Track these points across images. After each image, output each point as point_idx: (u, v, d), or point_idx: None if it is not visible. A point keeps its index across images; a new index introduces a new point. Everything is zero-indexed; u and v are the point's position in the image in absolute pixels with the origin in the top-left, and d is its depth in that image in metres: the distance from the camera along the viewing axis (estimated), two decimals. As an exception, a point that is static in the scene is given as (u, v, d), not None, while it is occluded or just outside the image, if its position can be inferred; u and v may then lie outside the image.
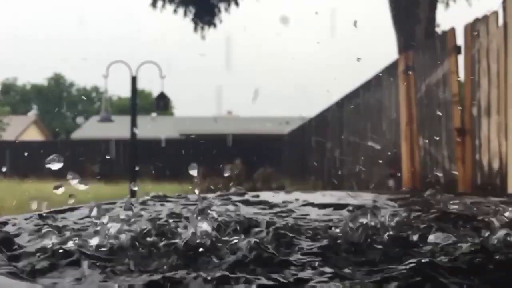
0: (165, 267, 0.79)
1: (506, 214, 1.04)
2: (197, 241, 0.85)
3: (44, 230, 0.98)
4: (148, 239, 0.93)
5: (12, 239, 0.94)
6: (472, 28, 5.35)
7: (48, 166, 1.12)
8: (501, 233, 0.90)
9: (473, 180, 5.34)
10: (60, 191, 1.16)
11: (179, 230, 0.98)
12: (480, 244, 0.85)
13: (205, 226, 0.90)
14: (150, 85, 39.45)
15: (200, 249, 0.83)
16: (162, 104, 14.33)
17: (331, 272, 0.73)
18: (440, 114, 6.10)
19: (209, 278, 0.67)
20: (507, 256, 0.78)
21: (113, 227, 0.95)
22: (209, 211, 1.01)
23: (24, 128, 38.48)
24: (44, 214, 1.27)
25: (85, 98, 55.92)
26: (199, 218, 0.92)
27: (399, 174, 7.29)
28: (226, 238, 0.91)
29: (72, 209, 1.37)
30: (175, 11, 13.78)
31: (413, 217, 1.15)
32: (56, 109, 51.62)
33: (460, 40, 5.69)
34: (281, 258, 0.79)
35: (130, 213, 1.13)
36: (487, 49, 5.07)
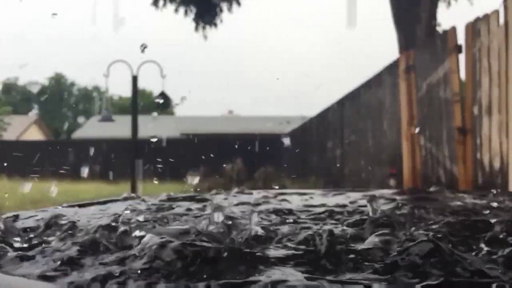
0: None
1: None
2: None
3: None
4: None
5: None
6: (473, 27, 5.34)
7: None
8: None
9: (474, 179, 5.34)
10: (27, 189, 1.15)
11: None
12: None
13: None
14: (151, 84, 39.48)
15: None
16: (162, 103, 14.33)
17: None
18: (441, 113, 6.10)
19: None
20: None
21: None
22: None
23: (25, 128, 38.51)
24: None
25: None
26: None
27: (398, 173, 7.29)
28: None
29: None
30: (176, 10, 13.78)
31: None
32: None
33: (461, 39, 5.69)
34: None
35: None
36: (488, 48, 5.07)
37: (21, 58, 74.71)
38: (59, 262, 0.75)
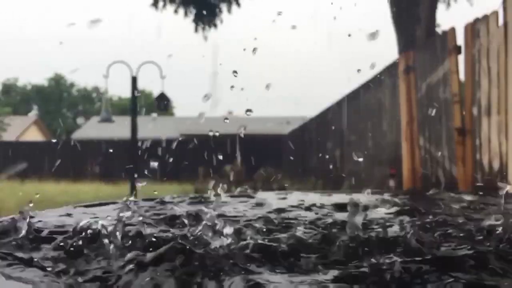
0: None
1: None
2: None
3: None
4: None
5: None
6: (473, 28, 5.35)
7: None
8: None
9: (473, 180, 5.34)
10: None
11: None
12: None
13: None
14: (151, 85, 39.43)
15: None
16: (162, 104, 14.34)
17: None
18: (441, 114, 6.11)
19: None
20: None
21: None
22: None
23: (24, 129, 38.50)
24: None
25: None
26: None
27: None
28: None
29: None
30: (175, 11, 13.78)
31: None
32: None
33: (460, 40, 5.70)
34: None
35: None
36: (488, 49, 5.07)
37: (21, 58, 74.74)
38: None
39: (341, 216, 1.19)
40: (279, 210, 1.32)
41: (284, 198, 1.60)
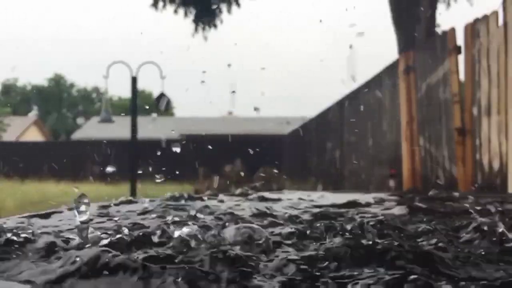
0: None
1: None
2: None
3: None
4: None
5: None
6: (472, 28, 5.35)
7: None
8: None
9: (474, 180, 5.34)
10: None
11: None
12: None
13: None
14: (150, 85, 39.42)
15: None
16: (162, 104, 14.33)
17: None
18: (441, 114, 6.11)
19: None
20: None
21: None
22: None
23: (24, 129, 38.49)
24: None
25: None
26: None
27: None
28: None
29: None
30: (175, 11, 13.77)
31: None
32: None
33: (460, 40, 5.69)
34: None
35: None
36: (488, 49, 5.07)
37: (21, 58, 74.73)
38: None
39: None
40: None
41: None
